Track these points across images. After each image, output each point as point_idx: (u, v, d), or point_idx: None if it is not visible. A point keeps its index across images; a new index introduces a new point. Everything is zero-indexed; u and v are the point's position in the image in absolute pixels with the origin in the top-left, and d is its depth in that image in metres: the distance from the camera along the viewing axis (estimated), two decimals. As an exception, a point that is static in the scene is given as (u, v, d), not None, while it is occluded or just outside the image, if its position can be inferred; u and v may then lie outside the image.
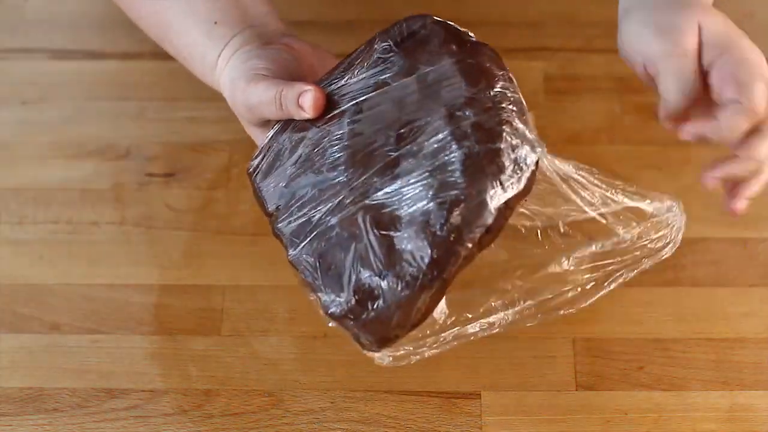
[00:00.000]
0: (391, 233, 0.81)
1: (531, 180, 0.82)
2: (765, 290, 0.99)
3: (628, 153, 1.07)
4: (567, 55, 1.12)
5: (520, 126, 0.82)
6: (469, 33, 0.84)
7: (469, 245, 0.80)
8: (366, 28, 1.15)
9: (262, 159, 0.89)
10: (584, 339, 0.96)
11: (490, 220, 0.80)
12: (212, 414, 0.93)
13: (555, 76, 1.12)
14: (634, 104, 1.10)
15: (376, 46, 0.86)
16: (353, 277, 0.82)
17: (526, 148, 0.81)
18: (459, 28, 0.85)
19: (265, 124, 0.89)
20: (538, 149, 0.82)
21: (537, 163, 0.82)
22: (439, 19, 0.85)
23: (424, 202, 0.81)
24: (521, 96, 0.83)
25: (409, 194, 0.81)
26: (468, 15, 1.17)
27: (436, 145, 0.82)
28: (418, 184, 0.81)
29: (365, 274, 0.81)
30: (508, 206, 0.81)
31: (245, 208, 1.05)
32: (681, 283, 0.99)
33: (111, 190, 1.06)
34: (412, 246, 0.80)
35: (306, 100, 0.84)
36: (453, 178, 0.80)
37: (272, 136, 0.89)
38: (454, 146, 0.81)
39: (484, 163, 0.80)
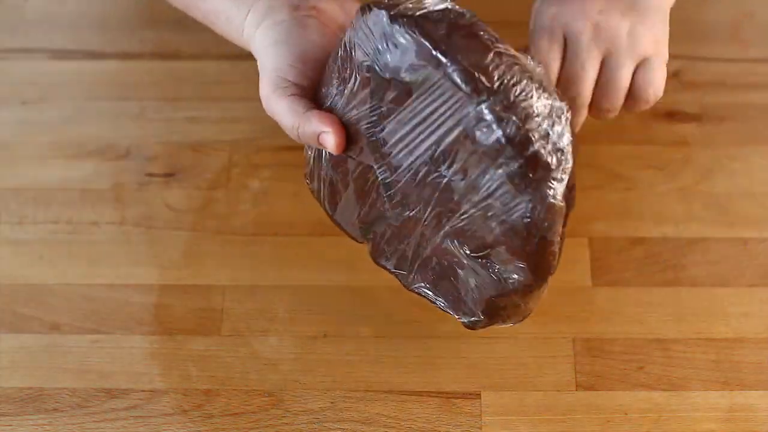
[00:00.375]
0: (486, 254, 0.84)
1: (576, 148, 0.82)
2: (765, 290, 0.99)
3: (628, 153, 1.07)
4: (567, 55, 1.12)
5: (539, 104, 0.80)
6: (434, 13, 0.81)
7: (557, 240, 0.83)
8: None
9: (320, 184, 0.92)
10: (584, 339, 0.96)
11: (563, 213, 0.82)
12: (212, 414, 0.93)
13: (555, 76, 1.12)
14: (634, 104, 1.10)
15: (356, 60, 0.84)
16: (476, 298, 0.87)
17: (557, 126, 0.80)
18: (424, 17, 0.81)
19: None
20: (565, 113, 0.81)
21: (570, 124, 0.81)
22: (396, 14, 0.82)
23: (498, 226, 0.82)
24: (520, 56, 0.81)
25: (480, 217, 0.83)
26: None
27: (476, 172, 0.82)
28: (483, 205, 0.82)
29: (485, 294, 0.86)
30: (570, 184, 0.82)
31: (245, 208, 1.05)
32: (681, 283, 0.99)
33: (111, 190, 1.06)
34: (511, 267, 0.84)
35: (328, 143, 0.84)
36: (511, 201, 0.81)
37: (314, 159, 0.92)
38: (492, 170, 0.81)
39: (529, 174, 0.80)
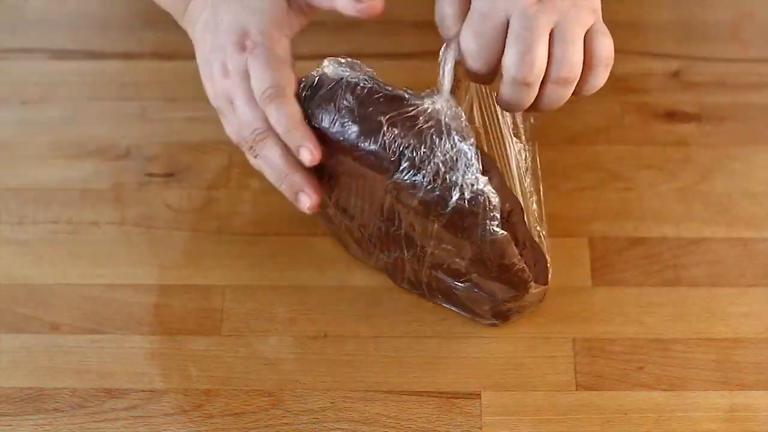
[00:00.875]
0: (468, 279, 0.91)
1: (495, 170, 0.86)
2: (765, 290, 0.99)
3: (628, 153, 1.07)
4: (567, 55, 1.11)
5: (444, 159, 0.84)
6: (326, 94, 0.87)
7: (516, 259, 0.88)
8: (367, 28, 1.15)
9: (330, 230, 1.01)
10: (584, 339, 0.96)
11: (508, 238, 0.87)
12: (212, 414, 0.93)
13: (555, 76, 1.12)
14: (634, 104, 1.10)
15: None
16: (482, 308, 0.94)
17: (469, 172, 0.84)
18: (319, 104, 0.87)
19: None
20: (472, 150, 0.84)
21: (478, 157, 0.84)
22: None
23: (461, 261, 0.89)
24: (422, 103, 0.85)
25: (445, 255, 0.90)
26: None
27: (420, 226, 0.88)
28: (441, 248, 0.89)
29: (486, 305, 0.93)
30: (505, 212, 0.87)
31: (245, 208, 1.05)
32: (681, 283, 0.99)
33: (111, 190, 1.06)
34: (492, 286, 0.91)
35: (305, 157, 0.87)
36: (458, 244, 0.87)
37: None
38: (430, 225, 0.87)
39: (459, 223, 0.86)
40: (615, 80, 1.10)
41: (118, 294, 0.99)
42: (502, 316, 0.95)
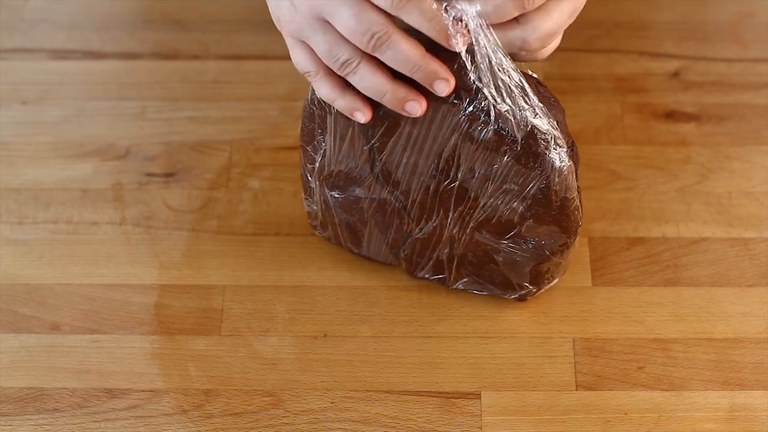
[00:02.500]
0: (516, 233, 0.91)
1: (557, 99, 0.88)
2: (765, 290, 0.99)
3: (628, 153, 1.07)
4: (567, 54, 1.12)
5: (517, 89, 0.84)
6: None
7: (576, 195, 0.89)
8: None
9: (335, 230, 0.99)
10: (584, 339, 0.96)
11: (573, 169, 0.88)
12: (212, 414, 0.93)
13: (555, 76, 1.12)
14: (634, 104, 1.10)
15: (333, 109, 0.89)
16: (521, 272, 0.94)
17: (535, 102, 0.85)
18: None
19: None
20: (533, 86, 0.86)
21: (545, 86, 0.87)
22: None
23: (520, 204, 0.89)
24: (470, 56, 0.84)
25: (501, 203, 0.89)
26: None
27: (484, 166, 0.87)
28: (500, 192, 0.88)
29: (527, 266, 0.93)
30: (569, 143, 0.88)
31: (245, 208, 1.05)
32: (681, 283, 0.99)
33: (111, 190, 1.06)
34: (544, 235, 0.90)
35: (413, 109, 0.85)
36: (525, 178, 0.87)
37: (322, 211, 0.98)
38: (499, 159, 0.86)
39: (533, 149, 0.85)
40: (615, 80, 1.11)
41: (118, 294, 1.00)
42: (538, 279, 0.94)
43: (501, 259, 0.93)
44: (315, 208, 0.97)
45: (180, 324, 0.98)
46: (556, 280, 0.96)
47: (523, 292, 0.96)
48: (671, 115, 1.10)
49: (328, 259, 1.01)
